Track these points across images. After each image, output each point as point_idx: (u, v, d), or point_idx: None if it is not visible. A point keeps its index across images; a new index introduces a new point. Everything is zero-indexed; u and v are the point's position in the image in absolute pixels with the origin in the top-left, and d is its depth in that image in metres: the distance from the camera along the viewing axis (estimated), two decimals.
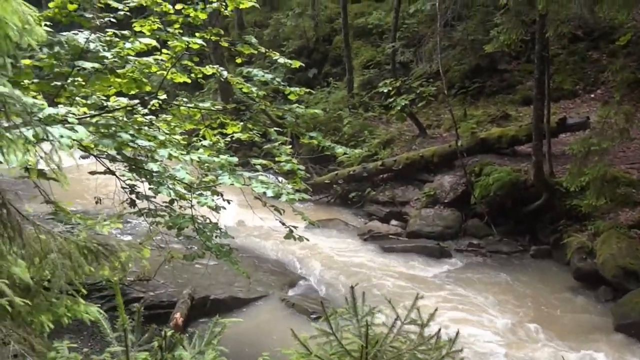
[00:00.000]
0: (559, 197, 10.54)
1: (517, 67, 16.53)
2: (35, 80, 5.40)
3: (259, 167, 5.65)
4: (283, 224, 5.77)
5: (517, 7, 10.78)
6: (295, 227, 5.80)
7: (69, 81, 5.31)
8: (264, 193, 5.09)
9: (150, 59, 5.36)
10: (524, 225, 11.21)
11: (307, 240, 5.79)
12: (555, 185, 10.61)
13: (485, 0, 16.30)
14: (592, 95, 15.26)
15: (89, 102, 5.80)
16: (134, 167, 5.12)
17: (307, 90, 6.74)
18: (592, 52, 16.18)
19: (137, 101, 6.19)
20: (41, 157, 2.53)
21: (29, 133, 2.85)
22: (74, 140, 3.60)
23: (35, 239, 2.53)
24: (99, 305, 3.39)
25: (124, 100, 6.14)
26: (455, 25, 16.33)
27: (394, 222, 12.56)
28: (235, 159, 5.24)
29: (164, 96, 6.49)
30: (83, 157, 5.49)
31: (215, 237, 5.60)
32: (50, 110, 4.00)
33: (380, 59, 18.68)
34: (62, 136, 3.56)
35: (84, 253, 2.62)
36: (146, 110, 6.50)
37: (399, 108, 14.19)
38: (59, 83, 5.25)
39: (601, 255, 9.12)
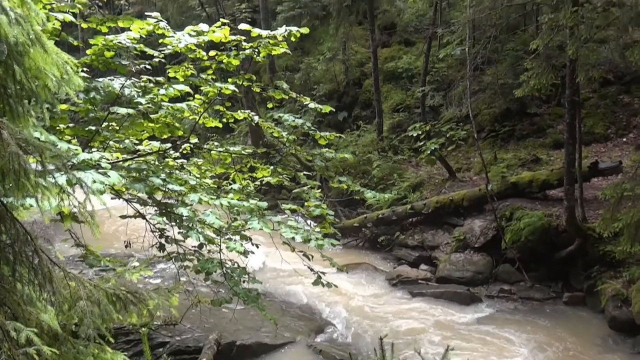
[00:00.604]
0: (592, 243, 10.31)
1: (547, 111, 16.42)
2: (71, 125, 5.53)
3: (288, 211, 5.65)
4: (311, 269, 5.73)
5: (547, 51, 10.76)
6: (323, 273, 5.75)
7: (103, 126, 5.42)
8: (293, 238, 5.09)
9: (183, 104, 5.45)
10: (556, 271, 10.96)
11: (336, 286, 5.73)
12: (588, 231, 10.39)
13: (515, 44, 16.34)
14: (624, 139, 15.05)
15: (122, 145, 5.91)
16: (164, 211, 5.16)
17: (337, 135, 6.77)
18: (624, 95, 16.02)
19: (169, 145, 6.30)
20: (74, 206, 2.56)
21: (62, 179, 2.90)
22: (106, 185, 3.66)
23: (64, 286, 2.54)
24: (125, 351, 3.38)
25: (156, 144, 6.25)
26: (484, 69, 16.36)
27: (423, 266, 12.41)
28: (264, 204, 5.25)
29: (196, 140, 6.59)
30: (114, 198, 5.57)
31: (243, 281, 5.58)
32: (84, 156, 4.07)
33: (410, 102, 18.74)
34: (94, 181, 3.62)
35: (113, 300, 2.63)
36: (178, 154, 6.61)
37: (428, 152, 14.16)
38: (93, 127, 5.36)
39: (637, 303, 8.85)
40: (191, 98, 6.01)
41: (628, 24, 9.80)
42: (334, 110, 7.52)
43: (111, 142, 5.79)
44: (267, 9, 22.12)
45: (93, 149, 5.56)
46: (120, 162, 5.41)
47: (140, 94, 5.34)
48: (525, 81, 10.33)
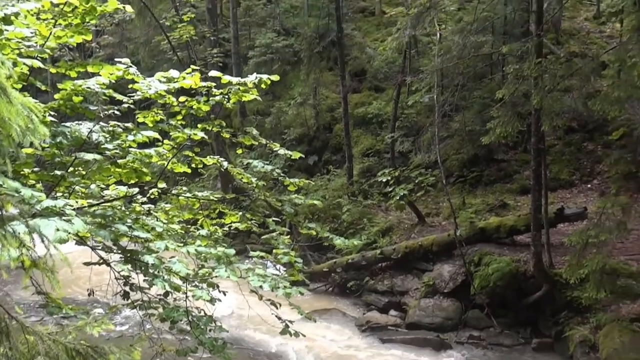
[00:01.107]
0: (559, 289, 10.40)
1: (514, 157, 16.74)
2: (36, 169, 5.44)
3: (256, 259, 5.59)
4: (279, 318, 5.65)
5: (513, 99, 11.02)
6: (291, 322, 5.67)
7: (69, 170, 5.34)
8: (261, 286, 5.03)
9: (151, 150, 5.41)
10: (525, 317, 11.01)
11: (304, 335, 5.65)
12: (555, 277, 10.49)
13: (482, 92, 16.72)
14: (589, 185, 15.39)
15: (88, 191, 5.82)
16: (129, 258, 5.06)
17: (307, 181, 6.77)
18: (588, 143, 16.45)
19: (136, 190, 6.22)
20: (33, 258, 2.50)
21: (22, 229, 2.84)
22: (69, 234, 3.58)
23: (22, 341, 2.46)
24: None
25: (123, 189, 6.17)
26: (452, 116, 16.67)
27: (393, 312, 12.34)
28: (232, 251, 5.19)
29: (164, 184, 6.53)
30: (78, 244, 5.44)
31: (210, 330, 5.46)
32: (48, 203, 3.98)
33: (380, 147, 18.94)
34: (58, 229, 3.55)
35: (72, 355, 2.54)
36: (145, 199, 6.53)
37: (398, 197, 14.26)
38: (59, 172, 5.27)
39: (604, 349, 8.92)
40: (160, 143, 5.97)
41: (590, 74, 10.12)
42: (304, 156, 7.55)
43: (77, 187, 5.70)
44: (239, 53, 22.35)
45: (58, 194, 5.46)
46: (86, 208, 5.32)
47: (108, 139, 5.29)
48: (492, 129, 10.55)
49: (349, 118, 17.93)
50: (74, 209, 4.13)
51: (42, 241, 2.71)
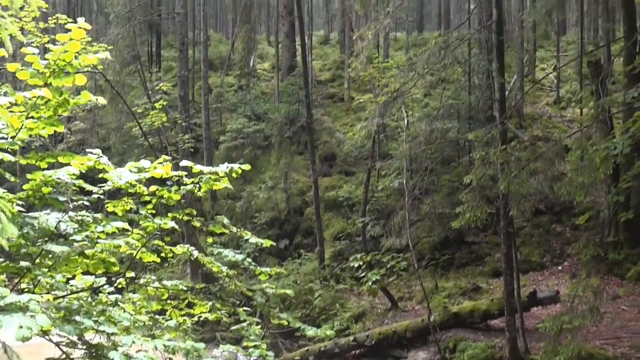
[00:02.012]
0: None
1: (484, 239, 16.90)
2: (0, 260, 5.30)
3: (226, 353, 5.44)
4: None
5: (481, 183, 11.23)
6: None
7: (36, 262, 5.21)
8: None
9: (120, 241, 5.33)
10: None
11: None
12: None
13: (450, 176, 17.04)
14: (560, 267, 15.52)
15: (53, 282, 5.66)
16: (94, 354, 4.87)
17: (278, 270, 6.71)
18: (556, 225, 16.74)
19: (103, 280, 6.07)
20: None
21: None
22: (32, 331, 3.47)
23: None
24: None
25: (90, 279, 6.02)
26: (422, 199, 16.88)
27: None
28: (201, 345, 5.05)
29: (132, 274, 6.39)
30: (42, 337, 5.24)
31: None
32: (12, 298, 3.87)
33: (351, 230, 18.96)
34: (21, 327, 3.43)
35: None
36: (112, 289, 6.36)
37: (370, 283, 14.17)
38: (25, 264, 5.14)
39: None
40: (130, 232, 5.89)
41: (554, 158, 10.42)
42: (274, 243, 7.51)
43: (42, 279, 5.54)
44: (210, 138, 22.57)
45: (23, 285, 5.31)
46: (51, 300, 5.16)
47: (77, 229, 5.21)
48: (462, 213, 10.67)
49: (319, 202, 18.02)
50: (38, 303, 4.00)
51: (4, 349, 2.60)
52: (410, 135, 14.50)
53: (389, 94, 13.19)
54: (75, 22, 4.66)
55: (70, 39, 4.61)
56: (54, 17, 12.54)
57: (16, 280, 5.33)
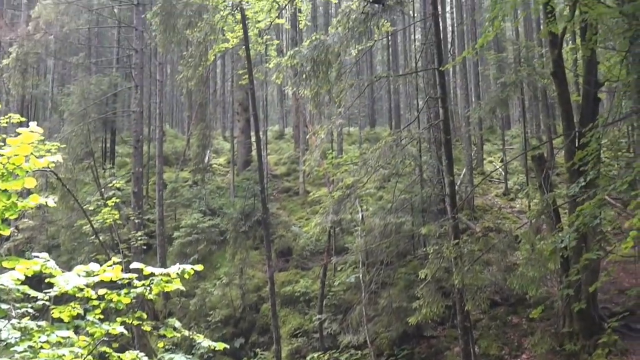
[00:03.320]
0: None
1: (443, 333, 16.74)
2: None
3: None
4: None
5: (437, 275, 11.29)
6: None
7: None
8: None
9: (65, 350, 5.09)
10: None
11: None
12: None
13: (406, 269, 17.06)
14: None
15: None
16: None
17: None
18: (512, 316, 16.73)
19: None
20: None
21: None
22: None
23: None
24: None
25: None
26: (379, 293, 16.77)
27: None
28: None
29: None
30: None
31: None
32: None
33: (308, 327, 18.56)
34: None
35: None
36: None
37: None
38: None
39: None
40: (77, 340, 5.64)
41: (506, 249, 10.61)
42: (228, 347, 7.27)
43: None
44: (164, 235, 22.26)
45: None
46: None
47: (19, 339, 4.96)
48: (418, 309, 10.65)
49: (276, 298, 17.70)
50: None
51: None
52: (365, 229, 14.60)
53: (343, 188, 13.37)
54: (28, 124, 4.65)
55: (21, 143, 4.58)
56: (6, 116, 12.47)
57: None
